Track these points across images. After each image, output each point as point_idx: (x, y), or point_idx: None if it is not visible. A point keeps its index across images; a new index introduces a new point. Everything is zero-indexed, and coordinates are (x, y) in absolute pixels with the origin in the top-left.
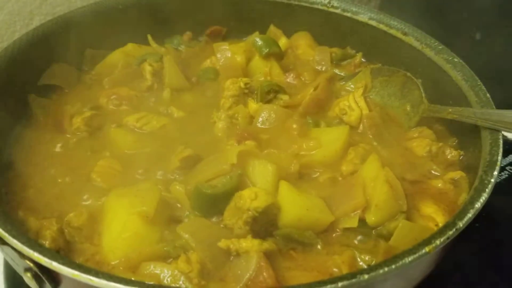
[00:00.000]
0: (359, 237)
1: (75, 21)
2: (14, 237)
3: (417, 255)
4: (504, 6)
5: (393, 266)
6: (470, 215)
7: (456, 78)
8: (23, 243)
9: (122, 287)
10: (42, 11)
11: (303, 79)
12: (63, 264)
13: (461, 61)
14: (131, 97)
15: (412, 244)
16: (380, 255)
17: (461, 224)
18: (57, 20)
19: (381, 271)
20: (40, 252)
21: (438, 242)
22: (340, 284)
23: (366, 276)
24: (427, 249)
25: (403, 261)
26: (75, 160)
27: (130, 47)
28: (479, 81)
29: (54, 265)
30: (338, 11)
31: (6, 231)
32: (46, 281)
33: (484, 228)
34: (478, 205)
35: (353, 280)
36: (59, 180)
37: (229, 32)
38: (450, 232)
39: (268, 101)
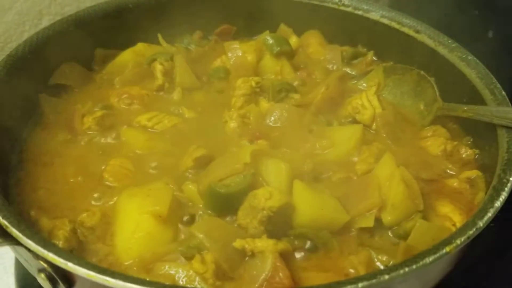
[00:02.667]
0: (375, 237)
1: (85, 20)
2: (28, 237)
3: (437, 255)
4: None
5: (414, 267)
6: (490, 214)
7: (470, 76)
8: (37, 243)
9: None
10: (51, 11)
11: (314, 77)
12: (79, 264)
13: (475, 58)
14: (142, 97)
15: (430, 244)
16: (400, 255)
17: (481, 224)
18: (67, 19)
19: (401, 271)
20: (55, 253)
21: (458, 241)
22: (360, 284)
23: (386, 277)
24: (447, 248)
25: (424, 261)
26: (86, 159)
27: (140, 46)
28: (494, 79)
29: (70, 266)
30: (349, 9)
31: (20, 231)
32: (60, 282)
33: (499, 229)
34: (497, 204)
35: (373, 281)
36: (71, 180)
37: (239, 31)
38: (471, 232)
39: (280, 100)
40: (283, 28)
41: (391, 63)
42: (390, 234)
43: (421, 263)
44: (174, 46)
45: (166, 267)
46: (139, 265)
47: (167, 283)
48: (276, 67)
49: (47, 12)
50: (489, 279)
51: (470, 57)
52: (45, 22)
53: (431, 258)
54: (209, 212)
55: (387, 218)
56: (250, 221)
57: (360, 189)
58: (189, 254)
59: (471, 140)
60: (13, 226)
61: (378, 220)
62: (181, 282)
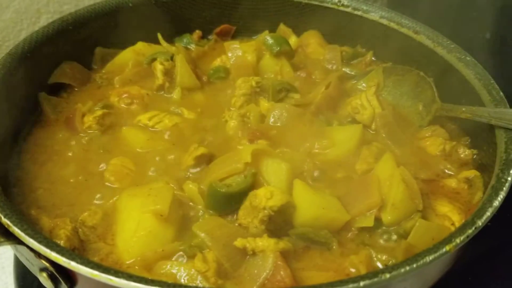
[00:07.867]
0: (375, 237)
1: (85, 19)
2: (31, 236)
3: (437, 254)
4: None
5: (414, 265)
6: (488, 213)
7: (468, 77)
8: (40, 242)
9: (142, 287)
10: (49, 9)
11: (313, 77)
12: (82, 263)
13: (473, 59)
14: (142, 96)
15: (429, 243)
16: (400, 254)
17: (480, 223)
18: (67, 18)
19: (402, 270)
20: (58, 252)
21: (458, 240)
22: (362, 283)
23: (388, 275)
24: (447, 248)
25: (424, 260)
26: (87, 158)
27: (140, 45)
28: (492, 79)
29: (73, 265)
30: (348, 9)
31: (23, 231)
32: (62, 281)
33: (496, 228)
34: (496, 203)
35: (375, 280)
36: (71, 180)
37: (238, 31)
38: (470, 231)
39: (280, 100)
40: (282, 28)
41: (390, 63)
42: (389, 233)
43: (421, 262)
44: (174, 45)
45: (168, 266)
46: (141, 264)
47: (170, 281)
48: (276, 67)
49: (45, 11)
50: (487, 278)
51: (468, 58)
52: (43, 21)
53: (431, 257)
54: (210, 211)
55: (387, 217)
56: (251, 220)
57: (361, 188)
58: (190, 253)
59: (469, 140)
60: (15, 225)
61: (378, 220)
62: (182, 281)
